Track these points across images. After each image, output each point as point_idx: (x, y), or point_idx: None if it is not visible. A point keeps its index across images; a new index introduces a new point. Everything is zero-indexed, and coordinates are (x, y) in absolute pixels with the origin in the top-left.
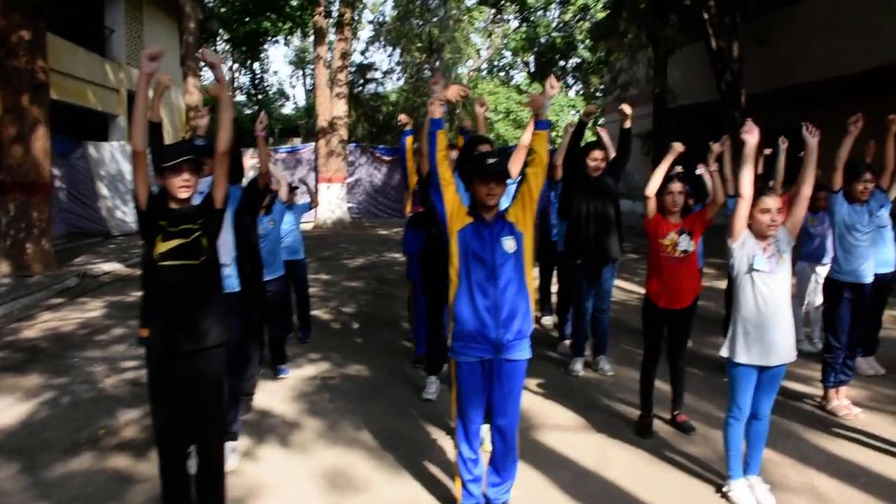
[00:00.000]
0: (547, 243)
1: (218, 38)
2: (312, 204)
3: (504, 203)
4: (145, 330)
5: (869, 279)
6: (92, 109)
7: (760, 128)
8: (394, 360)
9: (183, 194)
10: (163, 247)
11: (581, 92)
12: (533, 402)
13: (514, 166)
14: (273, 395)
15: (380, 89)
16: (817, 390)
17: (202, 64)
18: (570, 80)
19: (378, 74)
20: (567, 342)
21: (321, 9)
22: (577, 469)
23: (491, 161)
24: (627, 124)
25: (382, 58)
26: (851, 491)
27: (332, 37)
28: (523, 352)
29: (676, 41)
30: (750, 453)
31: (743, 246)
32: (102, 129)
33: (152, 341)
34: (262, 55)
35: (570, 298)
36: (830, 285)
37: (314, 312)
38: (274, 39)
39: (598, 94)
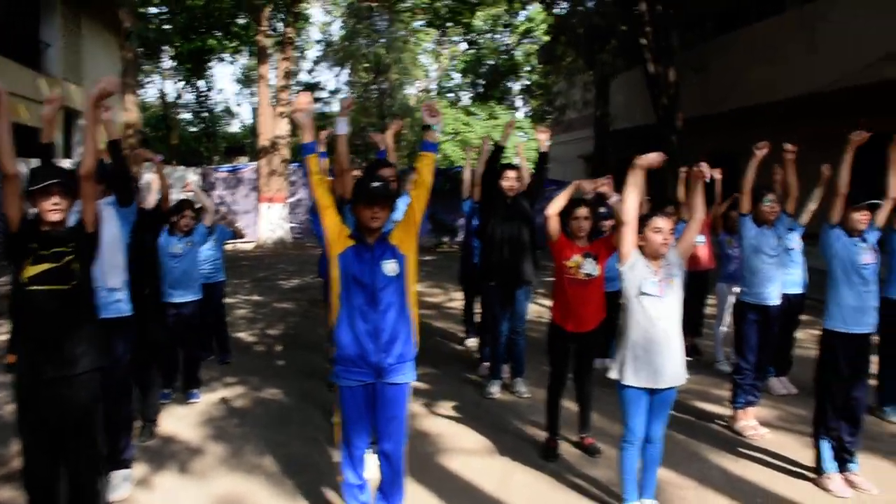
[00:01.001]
0: (469, 265)
1: (162, 55)
2: (236, 235)
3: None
4: (12, 356)
5: (775, 301)
6: (23, 125)
7: (696, 150)
8: (310, 383)
9: (52, 217)
10: (32, 270)
11: (529, 114)
12: (444, 426)
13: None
14: (180, 421)
15: (326, 109)
16: (729, 411)
17: (141, 79)
18: (519, 103)
19: (325, 94)
20: (486, 364)
21: (264, 28)
22: (478, 494)
23: (375, 185)
24: (544, 148)
25: (329, 77)
26: None
27: (277, 56)
28: (406, 375)
29: (615, 66)
30: (644, 476)
31: (633, 269)
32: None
33: (20, 368)
34: (207, 73)
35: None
36: (738, 307)
37: (239, 335)
38: (219, 57)
39: (546, 116)
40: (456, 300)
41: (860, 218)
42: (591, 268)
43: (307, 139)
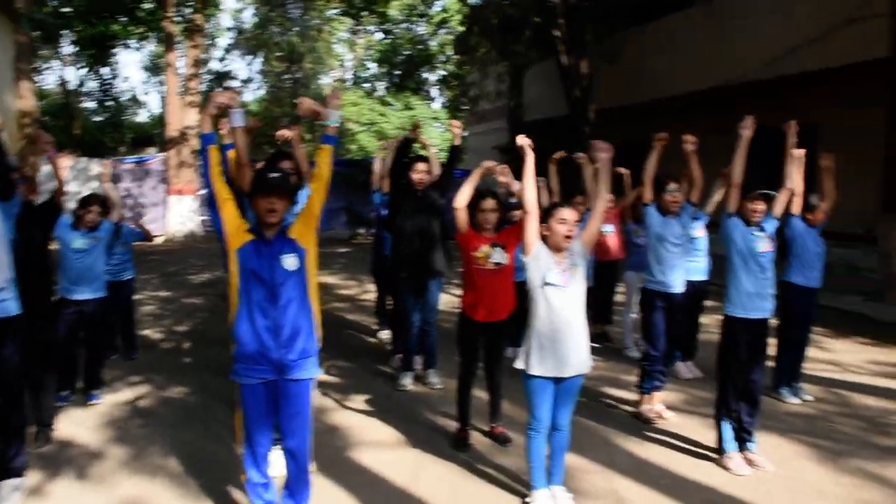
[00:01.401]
0: (381, 257)
1: (61, 40)
2: (146, 237)
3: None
4: None
5: (679, 289)
6: None
7: (609, 140)
8: (217, 380)
9: None
10: None
11: (446, 104)
12: (355, 420)
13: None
14: (79, 424)
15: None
16: (636, 396)
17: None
18: (435, 93)
19: (236, 83)
20: (399, 356)
21: (171, 14)
22: (388, 487)
23: (272, 175)
24: (457, 141)
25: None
26: (651, 493)
27: (185, 43)
28: (308, 371)
29: (528, 57)
30: (552, 464)
31: (537, 259)
32: None
33: None
34: (111, 60)
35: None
36: (644, 295)
37: (145, 332)
38: (125, 44)
39: (461, 107)
40: (370, 292)
41: (754, 208)
42: (499, 257)
43: (206, 129)
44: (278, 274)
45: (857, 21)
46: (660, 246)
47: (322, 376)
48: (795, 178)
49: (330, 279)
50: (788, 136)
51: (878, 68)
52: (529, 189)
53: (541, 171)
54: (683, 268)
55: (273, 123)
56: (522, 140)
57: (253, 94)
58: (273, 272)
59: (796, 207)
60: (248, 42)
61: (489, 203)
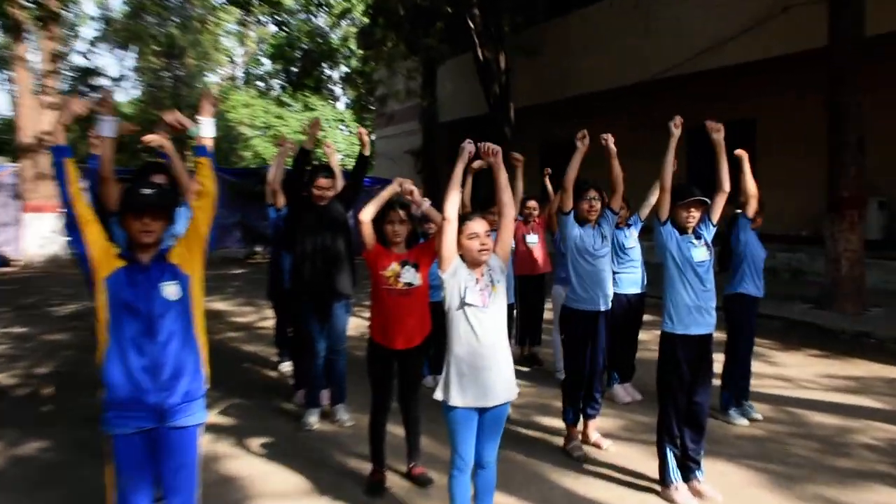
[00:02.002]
0: (279, 279)
1: None
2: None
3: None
4: None
5: (602, 307)
6: None
7: (531, 142)
8: (86, 431)
9: None
10: None
11: (351, 105)
12: (254, 467)
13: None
14: None
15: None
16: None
17: None
18: (338, 91)
19: (106, 81)
20: (303, 392)
21: None
22: None
23: (144, 191)
24: (366, 151)
25: (112, 61)
26: None
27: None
28: (194, 416)
29: (441, 52)
30: None
31: (455, 276)
32: None
33: None
34: None
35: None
36: (565, 314)
37: None
38: None
39: (371, 107)
40: (269, 319)
41: (686, 215)
42: (410, 276)
43: (59, 140)
44: (157, 305)
45: (793, 8)
46: (580, 259)
47: (212, 419)
48: (726, 177)
49: (222, 305)
50: (712, 135)
51: (815, 58)
52: (451, 197)
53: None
54: (608, 282)
55: (151, 129)
56: (470, 146)
57: (127, 94)
58: (150, 303)
59: (751, 210)
60: (118, 34)
61: (397, 214)
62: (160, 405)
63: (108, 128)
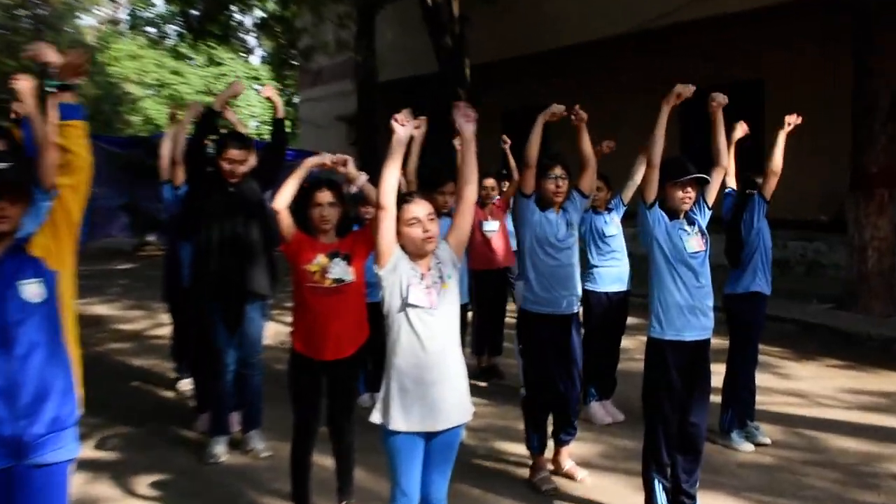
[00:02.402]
0: (178, 275)
1: None
2: None
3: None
4: None
5: (572, 309)
6: None
7: (492, 107)
8: None
9: None
10: None
11: (268, 59)
12: None
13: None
14: None
15: None
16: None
17: None
18: (252, 42)
19: None
20: (207, 415)
21: None
22: None
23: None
24: (280, 113)
25: None
26: None
27: None
28: (64, 450)
29: None
30: None
31: (394, 271)
32: None
33: None
34: None
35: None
36: (523, 319)
37: None
38: None
39: (293, 62)
40: (166, 325)
41: (682, 195)
42: (341, 271)
43: None
44: (12, 309)
45: None
46: (539, 251)
47: (88, 453)
48: (724, 150)
49: (104, 309)
50: (712, 103)
51: (836, 3)
52: (389, 174)
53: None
54: (573, 279)
55: (2, 82)
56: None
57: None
58: (4, 307)
59: (769, 190)
60: None
61: (325, 195)
62: (18, 437)
63: None
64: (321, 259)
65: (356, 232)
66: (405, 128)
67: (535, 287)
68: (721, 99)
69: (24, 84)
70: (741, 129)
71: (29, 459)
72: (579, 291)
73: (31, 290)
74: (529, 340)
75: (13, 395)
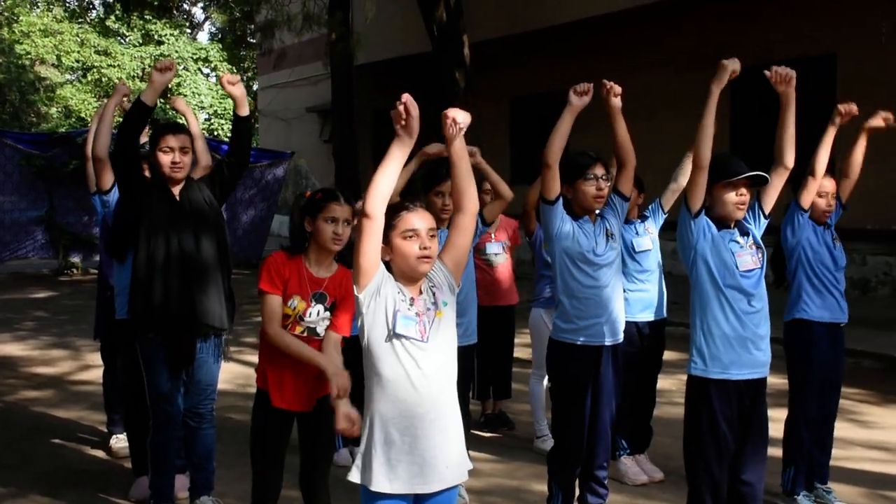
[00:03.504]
0: (110, 304)
1: None
2: None
3: None
4: None
5: (614, 338)
6: None
7: (495, 93)
8: None
9: None
10: None
11: (220, 37)
12: None
13: None
14: None
15: None
16: None
17: None
18: (200, 15)
19: None
20: (144, 480)
21: None
22: None
23: None
24: (241, 110)
25: None
26: None
27: None
28: None
29: None
30: None
31: (378, 294)
32: None
33: None
34: None
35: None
36: (554, 351)
37: None
38: None
39: (250, 39)
40: (94, 367)
41: (737, 199)
42: (315, 321)
43: None
44: None
45: None
46: (572, 269)
47: None
48: (791, 147)
49: (15, 349)
50: (778, 87)
51: None
52: (383, 179)
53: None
54: (615, 303)
55: None
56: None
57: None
58: None
59: (804, 199)
60: None
61: (344, 210)
62: None
63: None
64: (297, 302)
65: (348, 277)
66: (413, 118)
67: (569, 313)
68: (784, 71)
69: None
70: (881, 119)
71: None
72: (623, 317)
73: None
74: (562, 378)
75: None
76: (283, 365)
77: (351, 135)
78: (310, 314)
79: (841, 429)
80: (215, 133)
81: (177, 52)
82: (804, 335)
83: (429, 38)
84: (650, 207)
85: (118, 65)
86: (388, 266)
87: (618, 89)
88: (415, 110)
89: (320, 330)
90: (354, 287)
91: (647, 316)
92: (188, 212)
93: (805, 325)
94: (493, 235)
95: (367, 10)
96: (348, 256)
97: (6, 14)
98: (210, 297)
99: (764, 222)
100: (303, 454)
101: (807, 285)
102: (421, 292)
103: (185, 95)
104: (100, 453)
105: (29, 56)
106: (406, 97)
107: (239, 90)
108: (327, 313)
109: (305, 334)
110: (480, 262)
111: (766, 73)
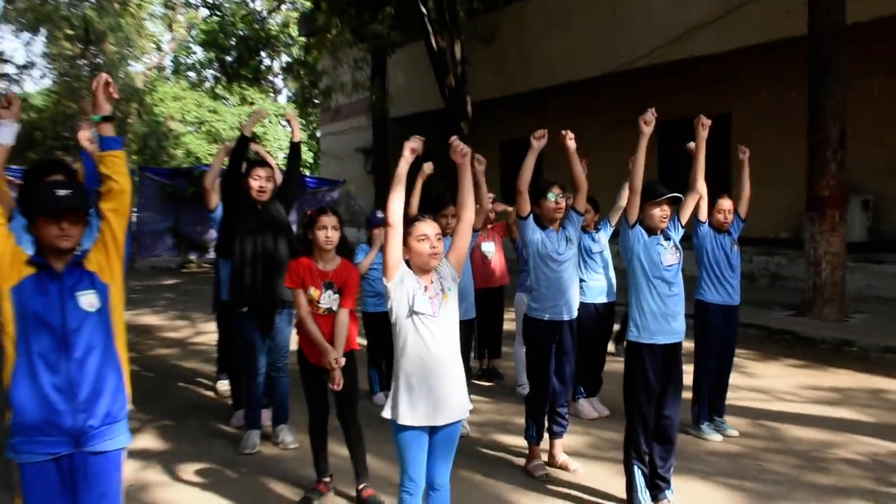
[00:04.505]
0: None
1: None
2: None
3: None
4: None
5: (568, 315)
6: None
7: (490, 139)
8: None
9: None
10: None
11: (294, 98)
12: (187, 496)
13: None
14: None
15: (17, 89)
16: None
17: None
18: (279, 83)
19: (10, 69)
20: (242, 411)
21: None
22: None
23: (62, 193)
24: (295, 136)
25: (16, 46)
26: None
27: None
28: (116, 440)
29: (391, 40)
30: None
31: (401, 283)
32: None
33: None
34: None
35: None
36: (528, 324)
37: None
38: None
39: (315, 100)
40: (205, 333)
41: (660, 214)
42: (330, 302)
43: None
44: (72, 316)
45: None
46: (541, 265)
47: (139, 444)
48: (701, 178)
49: (152, 319)
50: (698, 132)
51: (794, 48)
52: (394, 199)
53: (414, 175)
54: (574, 289)
55: (66, 122)
56: (414, 143)
57: (36, 84)
58: (65, 314)
59: (703, 214)
60: (22, 14)
61: (331, 220)
62: (77, 428)
63: (7, 134)
64: (313, 292)
65: (349, 268)
66: (411, 156)
67: (539, 296)
68: (705, 120)
69: (82, 133)
70: (743, 151)
71: (87, 448)
72: (577, 300)
73: (88, 300)
74: (533, 343)
75: (73, 392)
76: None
77: (386, 167)
78: (324, 299)
79: (734, 378)
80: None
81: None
82: (702, 312)
83: (442, 99)
84: (602, 222)
85: (223, 119)
86: (408, 263)
87: (571, 135)
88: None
89: (334, 308)
90: (384, 278)
91: (602, 299)
92: (268, 222)
93: (703, 306)
94: (487, 236)
95: (398, 79)
96: (346, 252)
97: (148, 86)
98: (283, 280)
99: (681, 230)
100: (336, 397)
101: (705, 276)
102: (432, 281)
103: (269, 140)
104: (210, 393)
105: (163, 114)
106: (413, 140)
107: (294, 122)
108: (336, 296)
109: (326, 313)
110: (480, 255)
111: (702, 117)
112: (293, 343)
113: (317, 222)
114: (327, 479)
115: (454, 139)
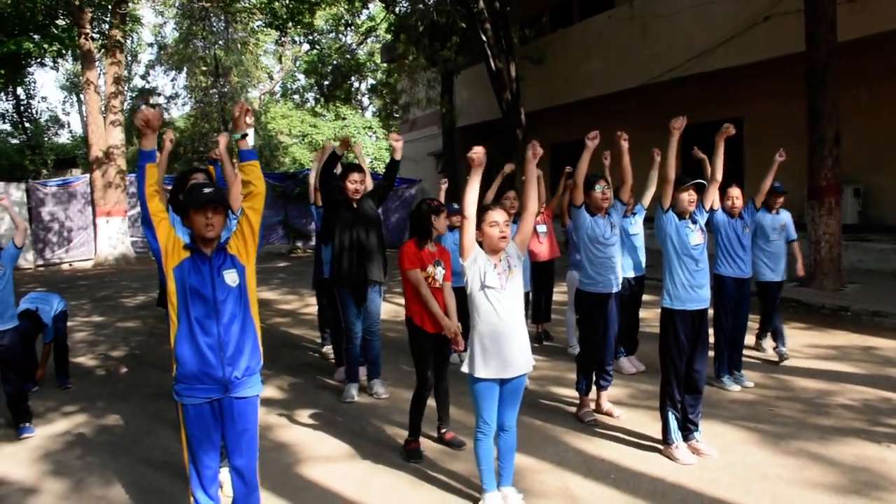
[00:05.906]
0: (322, 270)
1: None
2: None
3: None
4: None
5: (613, 289)
6: None
7: (541, 142)
8: (159, 404)
9: None
10: None
11: (378, 113)
12: (302, 435)
13: None
14: (11, 459)
15: (165, 116)
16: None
17: None
18: (366, 101)
19: (161, 100)
20: (343, 368)
21: (86, 30)
22: (339, 501)
23: (207, 190)
24: (397, 155)
25: (166, 82)
26: (601, 488)
27: (104, 60)
28: (254, 388)
29: (457, 63)
30: (502, 465)
31: (475, 262)
32: None
33: None
34: (27, 79)
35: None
36: (580, 297)
37: (79, 359)
38: (40, 62)
39: (395, 114)
40: (311, 305)
41: (688, 198)
42: (440, 275)
43: (146, 146)
44: (220, 289)
45: (773, 18)
46: (591, 247)
47: (265, 393)
48: (720, 170)
49: (269, 294)
50: (722, 135)
51: (795, 62)
52: (469, 194)
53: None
54: (618, 266)
55: (201, 139)
56: (478, 151)
57: (179, 111)
58: (215, 288)
59: (717, 203)
60: (171, 57)
61: (443, 216)
62: (225, 378)
63: (251, 137)
64: (430, 268)
65: (443, 248)
66: (479, 158)
67: (589, 273)
68: (731, 129)
69: (222, 139)
70: (782, 155)
71: (232, 393)
72: (621, 275)
73: (231, 277)
74: (584, 312)
75: (221, 350)
76: (421, 304)
77: (454, 168)
78: (435, 274)
79: (749, 339)
80: (374, 170)
81: (353, 123)
82: (719, 284)
83: (500, 110)
84: (637, 207)
85: (321, 132)
86: (481, 244)
87: (625, 136)
88: (479, 156)
89: (441, 280)
90: (461, 258)
91: (633, 273)
92: (361, 216)
93: (719, 278)
94: (540, 219)
95: (463, 95)
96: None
97: (262, 108)
98: (374, 264)
99: (706, 215)
100: (433, 355)
101: (720, 254)
102: (500, 260)
103: (344, 156)
104: (316, 354)
105: (274, 130)
106: (476, 149)
107: (398, 144)
108: (442, 270)
109: (437, 284)
110: (535, 235)
111: (730, 126)
112: (384, 313)
113: (431, 218)
114: (419, 439)
115: (534, 142)
